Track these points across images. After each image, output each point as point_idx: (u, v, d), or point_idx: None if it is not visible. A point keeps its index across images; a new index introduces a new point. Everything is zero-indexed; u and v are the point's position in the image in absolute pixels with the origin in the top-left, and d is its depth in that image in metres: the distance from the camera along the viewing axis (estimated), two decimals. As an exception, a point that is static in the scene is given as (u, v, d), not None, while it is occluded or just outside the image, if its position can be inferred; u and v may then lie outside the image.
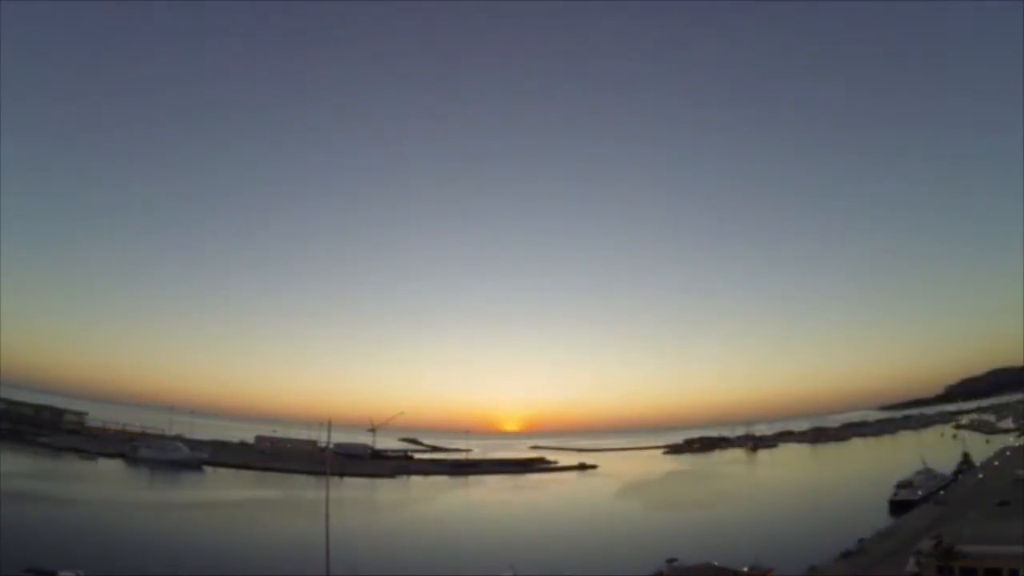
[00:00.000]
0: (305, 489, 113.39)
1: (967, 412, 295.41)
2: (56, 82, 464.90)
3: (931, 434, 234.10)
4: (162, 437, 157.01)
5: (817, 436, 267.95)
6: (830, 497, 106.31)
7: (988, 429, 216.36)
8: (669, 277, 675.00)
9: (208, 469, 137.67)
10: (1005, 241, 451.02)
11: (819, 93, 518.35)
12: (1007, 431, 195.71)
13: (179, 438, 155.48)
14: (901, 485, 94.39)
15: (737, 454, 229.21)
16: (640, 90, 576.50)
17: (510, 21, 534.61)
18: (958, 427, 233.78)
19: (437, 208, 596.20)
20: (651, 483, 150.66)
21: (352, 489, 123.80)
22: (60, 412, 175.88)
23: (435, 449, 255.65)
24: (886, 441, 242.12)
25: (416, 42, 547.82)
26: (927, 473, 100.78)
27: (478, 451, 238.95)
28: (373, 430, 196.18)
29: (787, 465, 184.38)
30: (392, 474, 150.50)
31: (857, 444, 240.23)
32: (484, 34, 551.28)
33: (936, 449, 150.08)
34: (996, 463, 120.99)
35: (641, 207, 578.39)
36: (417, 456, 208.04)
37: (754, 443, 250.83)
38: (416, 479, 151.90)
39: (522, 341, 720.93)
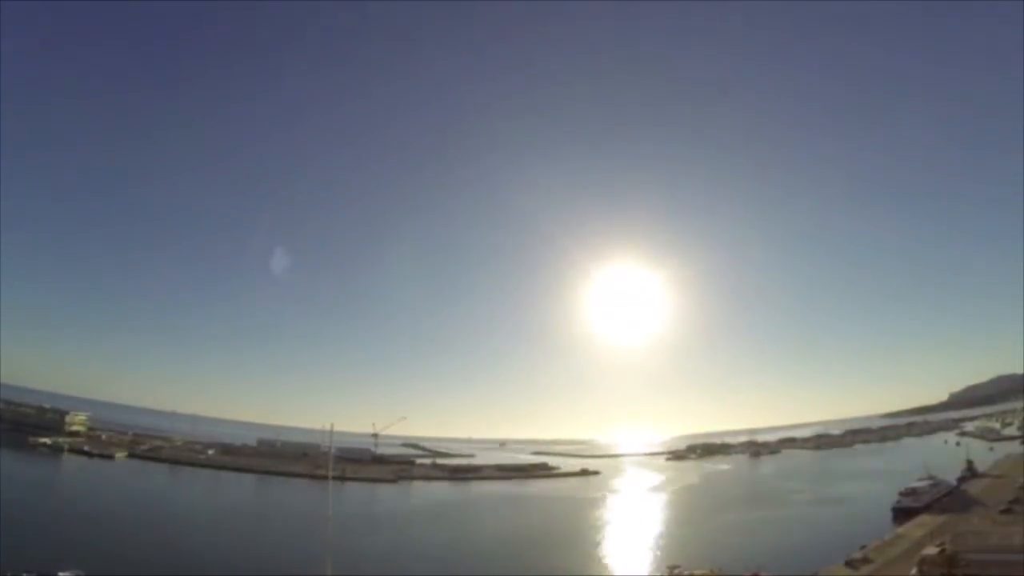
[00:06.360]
0: (306, 492, 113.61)
1: (971, 419, 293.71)
2: (73, 84, 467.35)
3: (935, 441, 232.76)
4: (165, 440, 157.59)
5: (820, 443, 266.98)
6: (833, 504, 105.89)
7: (992, 436, 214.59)
8: (669, 282, 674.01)
9: (210, 471, 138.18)
10: (1009, 247, 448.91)
11: (818, 94, 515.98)
12: (1011, 438, 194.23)
13: (181, 441, 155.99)
14: (905, 492, 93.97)
15: (740, 460, 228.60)
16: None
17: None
18: (962, 434, 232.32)
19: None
20: (653, 489, 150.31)
21: (353, 494, 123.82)
22: (63, 414, 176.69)
23: (437, 455, 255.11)
24: (889, 448, 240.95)
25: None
26: (931, 480, 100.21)
27: (480, 458, 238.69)
28: (375, 435, 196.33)
29: (790, 471, 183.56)
30: (394, 479, 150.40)
31: (860, 451, 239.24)
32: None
33: (940, 456, 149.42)
34: (1000, 470, 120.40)
35: (644, 209, 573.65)
36: (419, 461, 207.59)
37: (757, 449, 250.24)
38: (418, 484, 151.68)
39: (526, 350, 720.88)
